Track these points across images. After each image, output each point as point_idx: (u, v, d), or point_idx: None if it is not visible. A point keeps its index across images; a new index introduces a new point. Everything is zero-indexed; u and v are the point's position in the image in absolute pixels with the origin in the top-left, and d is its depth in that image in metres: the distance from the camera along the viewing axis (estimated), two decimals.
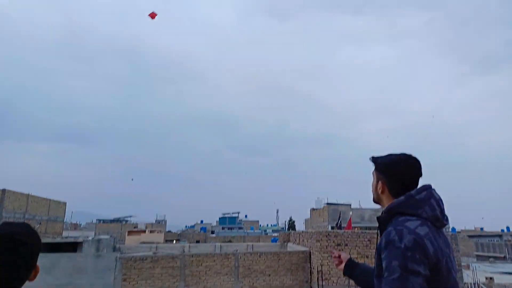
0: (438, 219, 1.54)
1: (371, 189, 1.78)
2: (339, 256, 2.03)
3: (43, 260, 15.22)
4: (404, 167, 1.65)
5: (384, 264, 1.43)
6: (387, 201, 1.67)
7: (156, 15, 16.26)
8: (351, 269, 1.96)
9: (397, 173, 1.66)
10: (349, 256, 2.02)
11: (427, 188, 1.60)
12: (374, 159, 1.78)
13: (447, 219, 1.58)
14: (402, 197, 1.58)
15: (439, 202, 1.58)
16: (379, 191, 1.71)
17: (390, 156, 1.72)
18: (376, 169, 1.75)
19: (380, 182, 1.70)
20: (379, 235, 1.66)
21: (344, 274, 1.99)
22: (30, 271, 1.22)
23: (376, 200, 1.76)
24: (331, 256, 2.07)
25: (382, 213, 1.66)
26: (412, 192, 1.58)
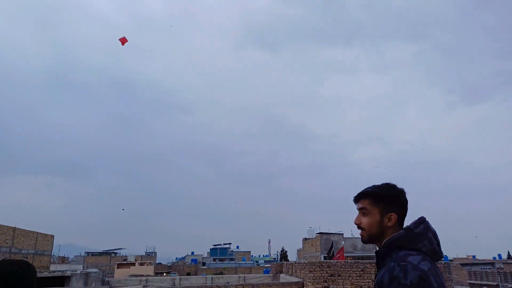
0: (436, 252, 1.54)
1: (365, 227, 1.66)
2: None
3: None
4: (403, 195, 1.65)
5: None
6: (391, 234, 1.60)
7: (126, 41, 16.58)
8: None
9: (404, 202, 1.64)
10: None
11: (424, 221, 1.58)
12: (374, 192, 1.67)
13: (442, 252, 1.56)
14: (402, 231, 1.55)
15: (435, 235, 1.56)
16: (389, 224, 1.61)
17: (386, 186, 1.67)
18: (379, 202, 1.64)
19: (390, 214, 1.62)
20: (377, 269, 1.63)
21: None
22: None
23: (378, 236, 1.64)
24: None
25: (380, 247, 1.61)
26: (411, 225, 1.56)
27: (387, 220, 1.61)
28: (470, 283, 41.16)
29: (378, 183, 1.71)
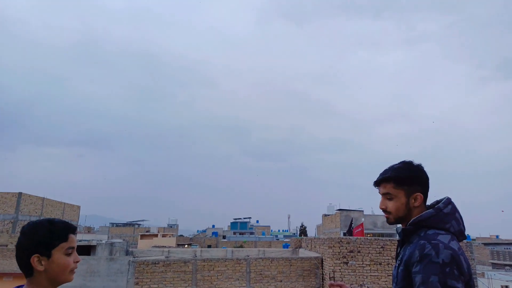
0: (462, 233, 1.55)
1: (392, 211, 1.64)
2: (340, 286, 1.89)
3: None
4: (425, 173, 1.64)
5: (419, 279, 1.40)
6: (420, 212, 1.60)
7: None
8: None
9: (426, 179, 1.64)
10: (349, 286, 1.90)
11: (451, 201, 1.59)
12: (395, 176, 1.62)
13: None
14: (431, 210, 1.55)
15: (461, 215, 1.57)
16: (416, 204, 1.60)
17: (405, 166, 1.64)
18: (403, 184, 1.61)
19: (416, 194, 1.60)
20: (399, 246, 1.64)
21: None
22: (20, 260, 1.44)
23: (404, 218, 1.63)
24: (329, 286, 1.87)
25: (407, 225, 1.60)
26: (440, 205, 1.57)
27: (413, 201, 1.61)
28: (492, 263, 40.64)
29: (397, 161, 1.68)
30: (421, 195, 1.61)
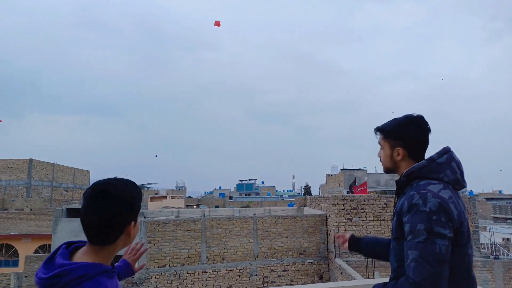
0: (458, 182, 1.55)
1: (382, 160, 1.75)
2: (343, 236, 2.06)
3: (73, 224, 16.14)
4: (417, 128, 1.63)
5: (407, 228, 1.44)
6: (407, 166, 1.64)
7: (219, 24, 19.38)
8: (355, 243, 2.00)
9: (414, 135, 1.62)
10: (350, 234, 2.05)
11: (448, 151, 1.59)
12: (383, 128, 1.72)
13: (465, 182, 1.59)
14: (424, 161, 1.57)
15: (459, 164, 1.58)
16: (398, 158, 1.65)
17: (398, 120, 1.68)
18: (387, 137, 1.69)
19: (397, 148, 1.65)
20: (396, 199, 1.68)
21: (350, 249, 2.02)
22: (118, 227, 1.17)
23: (392, 169, 1.72)
24: (335, 238, 2.05)
25: (400, 176, 1.64)
26: (434, 155, 1.57)
27: (396, 154, 1.66)
28: (494, 217, 41.53)
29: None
30: (402, 150, 1.64)
